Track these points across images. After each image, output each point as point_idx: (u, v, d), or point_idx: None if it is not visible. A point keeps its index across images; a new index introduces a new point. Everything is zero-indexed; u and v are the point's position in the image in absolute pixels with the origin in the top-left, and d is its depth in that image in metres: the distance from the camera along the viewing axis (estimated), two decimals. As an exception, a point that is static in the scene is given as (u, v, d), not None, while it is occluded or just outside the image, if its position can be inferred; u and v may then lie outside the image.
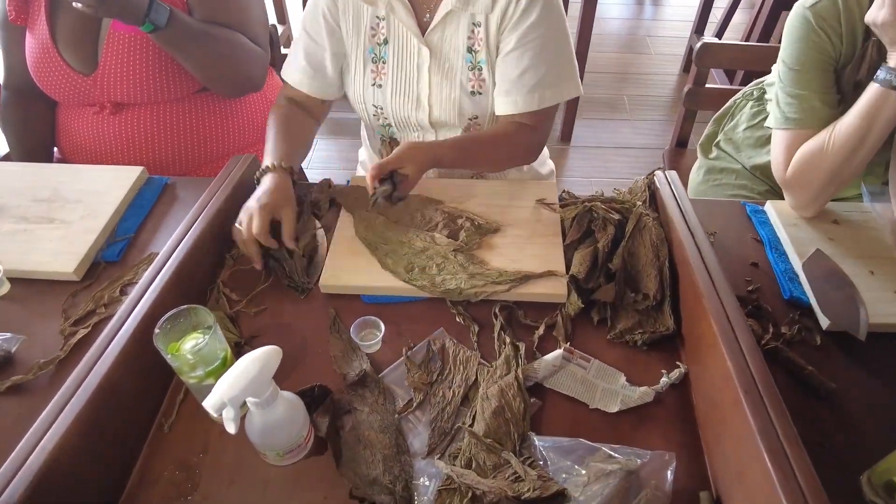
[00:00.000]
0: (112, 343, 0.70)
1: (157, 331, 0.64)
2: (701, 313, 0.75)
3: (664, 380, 0.76)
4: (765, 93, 1.28)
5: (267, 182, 0.94)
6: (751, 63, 1.51)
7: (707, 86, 1.53)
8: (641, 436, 0.73)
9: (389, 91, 1.04)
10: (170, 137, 1.23)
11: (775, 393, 0.63)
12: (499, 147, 1.03)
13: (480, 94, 1.03)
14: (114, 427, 0.68)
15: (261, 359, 0.60)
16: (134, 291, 0.77)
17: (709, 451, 0.71)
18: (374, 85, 1.05)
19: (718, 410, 0.69)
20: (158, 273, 0.80)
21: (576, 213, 0.94)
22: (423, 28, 1.00)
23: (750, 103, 1.32)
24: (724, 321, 0.71)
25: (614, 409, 0.74)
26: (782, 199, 1.02)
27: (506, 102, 1.00)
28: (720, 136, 1.38)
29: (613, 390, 0.76)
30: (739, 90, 1.38)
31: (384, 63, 1.03)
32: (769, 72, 1.27)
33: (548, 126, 1.08)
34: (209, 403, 0.57)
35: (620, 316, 0.84)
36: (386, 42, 1.02)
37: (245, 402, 0.61)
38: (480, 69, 1.01)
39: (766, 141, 1.26)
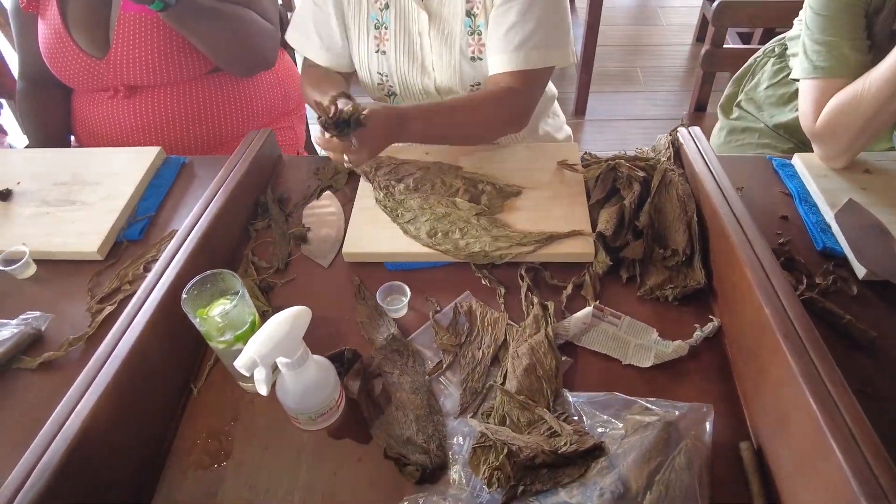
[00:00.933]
0: (139, 313, 0.70)
1: (184, 295, 0.64)
2: (734, 264, 0.73)
3: (698, 333, 0.75)
4: (787, 49, 1.24)
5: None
6: (771, 19, 1.47)
7: (725, 46, 1.50)
8: (677, 390, 0.71)
9: (393, 57, 1.02)
10: (184, 118, 1.23)
11: (816, 336, 0.61)
12: (478, 112, 0.94)
13: (481, 59, 1.00)
14: (146, 395, 0.68)
15: (290, 318, 0.59)
16: (158, 263, 0.77)
17: (747, 402, 0.69)
18: (377, 52, 1.04)
19: (756, 360, 0.67)
20: (182, 245, 0.79)
21: (599, 172, 0.93)
22: None
23: (771, 60, 1.28)
24: (759, 269, 0.69)
25: (648, 363, 0.73)
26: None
27: (492, 62, 0.96)
28: (741, 96, 1.35)
29: (646, 345, 0.75)
30: (759, 49, 1.34)
31: (386, 29, 1.01)
32: (789, 28, 1.23)
33: (537, 92, 1.01)
34: (240, 363, 0.57)
35: (650, 272, 0.82)
36: (387, 7, 1.00)
37: (276, 367, 0.61)
38: (480, 34, 0.98)
39: (790, 98, 1.23)
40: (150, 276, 0.75)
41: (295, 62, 1.52)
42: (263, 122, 1.35)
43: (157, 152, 1.08)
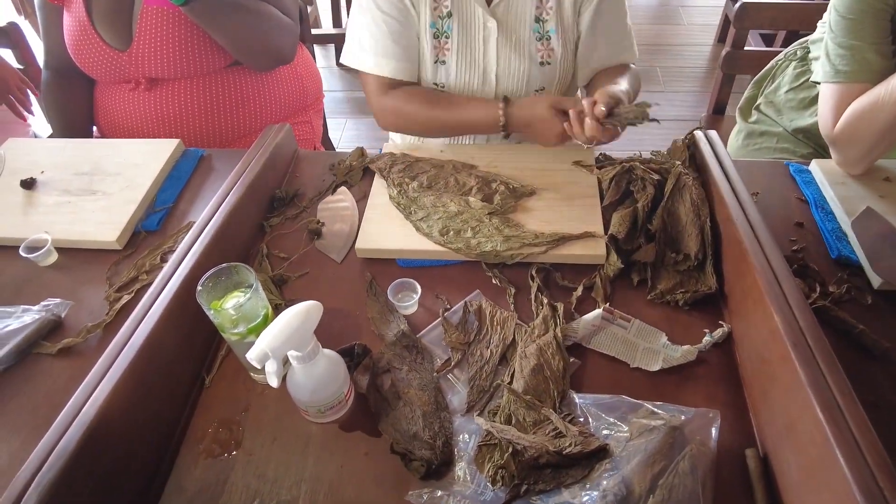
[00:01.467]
0: (155, 303, 0.71)
1: (199, 287, 0.65)
2: (746, 270, 0.73)
3: (707, 339, 0.74)
4: (809, 52, 1.23)
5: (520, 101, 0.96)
6: (793, 22, 1.45)
7: (746, 48, 1.48)
8: (684, 395, 0.71)
9: (454, 67, 1.01)
10: (203, 112, 1.24)
11: (826, 346, 0.61)
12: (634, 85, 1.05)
13: (549, 63, 1.02)
14: (160, 383, 0.69)
15: (302, 312, 0.61)
16: (175, 255, 0.79)
17: (754, 410, 0.69)
18: (437, 62, 1.02)
19: (766, 367, 0.67)
20: (198, 237, 0.81)
21: (614, 174, 0.93)
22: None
23: (793, 64, 1.27)
24: (771, 276, 0.69)
25: (656, 367, 0.73)
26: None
27: (599, 55, 1.05)
28: (760, 100, 1.33)
29: (655, 349, 0.75)
30: (780, 52, 1.33)
31: (447, 38, 1.00)
32: (812, 31, 1.21)
33: None
34: (252, 355, 0.58)
35: (661, 276, 0.82)
36: (450, 15, 0.99)
37: (287, 360, 0.62)
38: (549, 38, 1.00)
39: (810, 103, 1.22)
40: (167, 267, 0.76)
41: (314, 57, 1.53)
42: (281, 117, 1.36)
43: (177, 144, 1.10)
